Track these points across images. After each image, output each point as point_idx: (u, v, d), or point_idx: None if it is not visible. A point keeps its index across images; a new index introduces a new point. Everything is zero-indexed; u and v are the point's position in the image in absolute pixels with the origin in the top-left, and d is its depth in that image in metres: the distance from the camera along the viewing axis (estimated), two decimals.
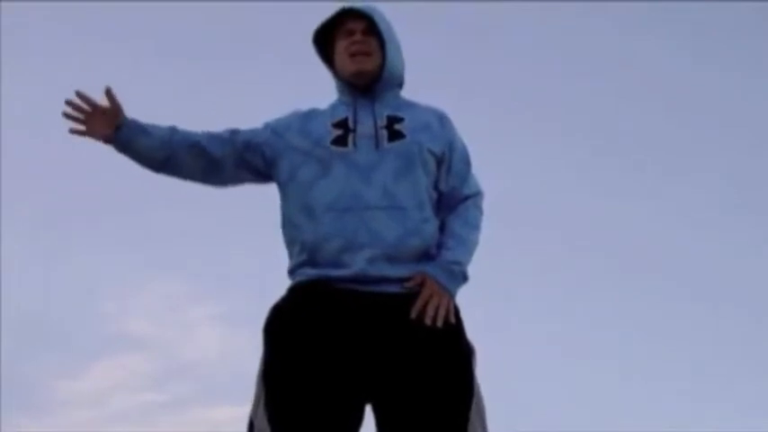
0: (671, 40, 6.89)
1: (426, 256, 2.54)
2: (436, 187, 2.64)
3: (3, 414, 5.77)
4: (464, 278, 2.58)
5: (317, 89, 2.86)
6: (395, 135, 2.60)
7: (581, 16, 6.73)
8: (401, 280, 2.49)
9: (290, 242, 2.61)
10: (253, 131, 2.74)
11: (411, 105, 2.73)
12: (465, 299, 2.60)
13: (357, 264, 2.47)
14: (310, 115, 2.72)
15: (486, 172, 2.80)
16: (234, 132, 2.75)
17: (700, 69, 6.91)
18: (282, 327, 2.51)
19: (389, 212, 2.50)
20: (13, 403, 6.02)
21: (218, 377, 6.68)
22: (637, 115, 6.94)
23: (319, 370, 2.40)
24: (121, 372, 6.98)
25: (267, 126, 2.76)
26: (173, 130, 2.73)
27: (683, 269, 6.76)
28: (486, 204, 2.77)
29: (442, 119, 2.72)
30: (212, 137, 2.73)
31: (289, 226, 2.61)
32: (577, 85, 6.90)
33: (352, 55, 2.66)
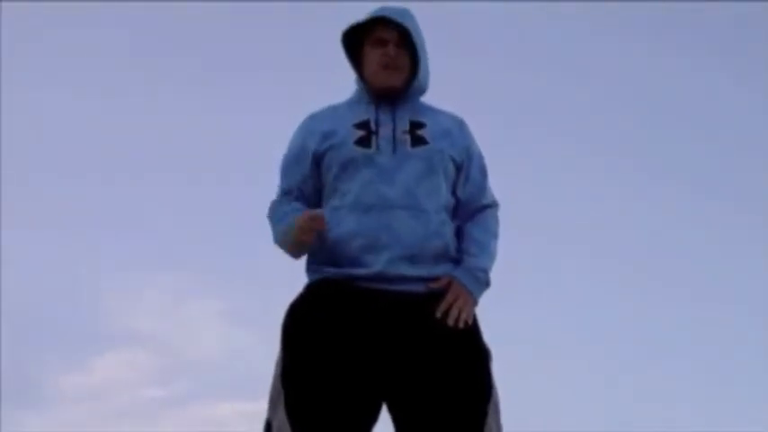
0: (671, 44, 6.92)
1: (444, 257, 2.57)
2: (453, 193, 2.67)
3: (5, 409, 5.77)
4: (487, 285, 2.62)
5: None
6: (417, 140, 2.62)
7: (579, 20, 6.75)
8: (421, 279, 2.52)
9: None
10: (302, 172, 2.70)
11: (431, 110, 2.74)
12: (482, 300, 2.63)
13: (378, 263, 2.50)
14: (330, 117, 2.70)
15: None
16: (298, 196, 2.71)
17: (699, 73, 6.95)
18: (301, 327, 2.53)
19: (412, 213, 2.52)
20: (15, 399, 6.02)
21: (221, 373, 6.66)
22: (642, 118, 6.97)
23: (339, 371, 2.43)
24: (124, 367, 6.98)
25: (299, 151, 2.72)
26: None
27: (684, 269, 6.80)
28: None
29: (461, 125, 2.75)
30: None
31: None
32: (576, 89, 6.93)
33: (384, 68, 2.64)
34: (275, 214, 2.71)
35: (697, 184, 6.94)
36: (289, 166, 2.74)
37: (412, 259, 2.51)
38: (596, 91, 6.92)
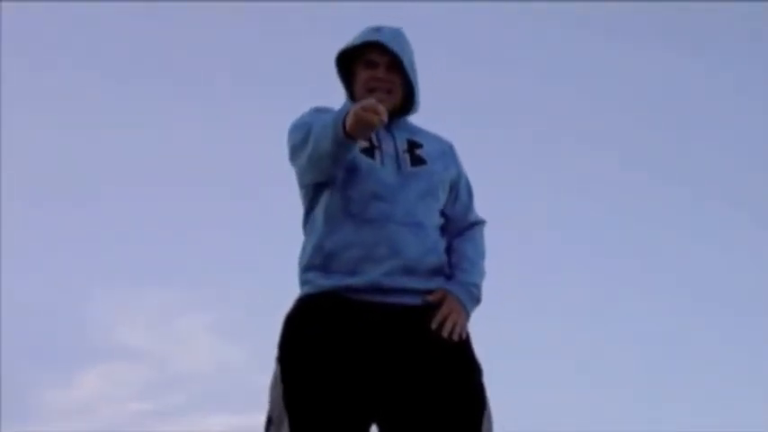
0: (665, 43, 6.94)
1: (439, 273, 2.61)
2: (442, 211, 2.69)
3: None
4: (478, 301, 2.66)
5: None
6: (416, 160, 2.65)
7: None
8: (416, 292, 2.54)
9: (307, 240, 2.63)
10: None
11: (423, 131, 2.77)
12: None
13: (374, 274, 2.51)
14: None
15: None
16: None
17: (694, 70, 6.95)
18: (299, 344, 2.52)
19: (411, 229, 2.54)
20: (3, 413, 5.98)
21: (209, 386, 6.73)
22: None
23: (340, 390, 2.44)
24: (113, 382, 7.02)
25: (319, 111, 2.66)
26: None
27: (685, 268, 6.82)
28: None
29: (451, 148, 2.80)
30: None
31: (311, 224, 2.62)
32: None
33: (370, 92, 2.61)
34: (314, 126, 2.53)
35: (698, 184, 7.00)
36: (315, 114, 2.62)
37: (408, 272, 2.53)
38: (596, 90, 7.01)
